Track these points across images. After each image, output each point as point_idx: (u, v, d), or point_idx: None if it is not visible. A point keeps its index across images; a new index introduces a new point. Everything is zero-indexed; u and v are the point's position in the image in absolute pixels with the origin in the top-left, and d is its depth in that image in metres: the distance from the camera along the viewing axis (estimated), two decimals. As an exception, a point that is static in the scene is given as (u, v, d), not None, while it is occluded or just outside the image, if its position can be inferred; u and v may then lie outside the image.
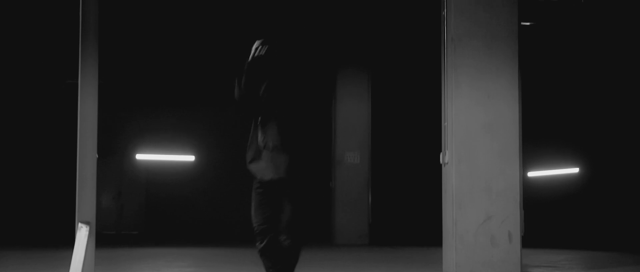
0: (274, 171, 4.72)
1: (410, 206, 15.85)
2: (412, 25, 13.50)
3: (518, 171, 6.87)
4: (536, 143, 12.89)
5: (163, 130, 16.26)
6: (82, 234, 2.63)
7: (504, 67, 6.89)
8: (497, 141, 6.85)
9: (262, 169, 4.73)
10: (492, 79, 6.88)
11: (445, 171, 7.07)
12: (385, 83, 15.24)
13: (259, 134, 4.75)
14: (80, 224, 2.54)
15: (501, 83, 6.88)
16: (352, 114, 13.35)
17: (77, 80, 4.41)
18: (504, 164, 6.84)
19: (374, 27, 13.59)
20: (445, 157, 7.00)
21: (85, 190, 2.51)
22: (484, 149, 6.83)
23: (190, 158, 15.14)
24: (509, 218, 6.79)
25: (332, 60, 13.66)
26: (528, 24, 10.93)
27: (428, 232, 15.05)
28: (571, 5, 11.86)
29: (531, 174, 14.90)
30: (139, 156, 15.40)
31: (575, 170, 14.46)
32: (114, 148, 17.16)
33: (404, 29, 13.85)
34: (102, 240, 16.63)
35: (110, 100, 16.67)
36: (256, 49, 4.67)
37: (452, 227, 6.82)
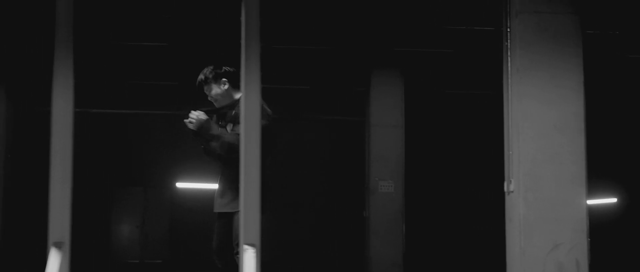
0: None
1: (445, 235, 15.90)
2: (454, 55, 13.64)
3: (584, 199, 6.97)
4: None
5: (195, 158, 16.35)
6: (249, 256, 2.71)
7: (570, 98, 7.01)
8: (564, 170, 6.95)
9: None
10: (558, 110, 6.99)
11: (510, 199, 7.16)
12: (418, 114, 15.34)
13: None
14: (245, 246, 2.62)
15: (567, 114, 6.99)
16: (386, 143, 13.46)
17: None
18: (570, 192, 6.93)
19: (408, 59, 13.76)
20: (510, 186, 7.10)
21: (251, 212, 2.59)
22: (550, 177, 6.93)
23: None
24: (577, 246, 6.87)
25: (365, 95, 13.81)
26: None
27: (464, 262, 15.12)
28: (604, 38, 12.03)
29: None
30: (179, 185, 15.48)
31: (613, 200, 14.58)
32: (153, 178, 17.23)
33: (439, 54, 14.00)
34: (126, 269, 16.65)
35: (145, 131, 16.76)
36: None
37: (520, 256, 6.90)
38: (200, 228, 17.24)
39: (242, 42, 2.61)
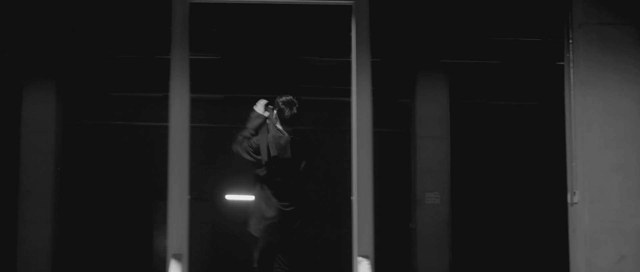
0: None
1: (492, 246, 15.82)
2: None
3: (650, 210, 6.97)
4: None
5: (239, 171, 16.43)
6: (364, 267, 2.80)
7: (634, 109, 7.02)
8: (629, 181, 6.96)
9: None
10: (622, 121, 7.01)
11: (573, 211, 7.17)
12: (464, 125, 15.32)
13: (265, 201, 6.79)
14: (360, 258, 2.71)
15: (631, 125, 7.01)
16: (432, 154, 13.47)
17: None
18: (635, 203, 6.94)
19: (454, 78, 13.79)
20: (574, 198, 7.10)
21: (364, 224, 2.66)
22: (615, 189, 6.94)
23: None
24: (643, 258, 6.87)
25: (411, 107, 13.85)
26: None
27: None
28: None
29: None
30: (229, 197, 15.60)
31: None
32: (194, 191, 17.30)
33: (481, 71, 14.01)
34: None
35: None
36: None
37: (585, 268, 6.90)
38: (243, 241, 17.31)
39: (353, 54, 2.66)
